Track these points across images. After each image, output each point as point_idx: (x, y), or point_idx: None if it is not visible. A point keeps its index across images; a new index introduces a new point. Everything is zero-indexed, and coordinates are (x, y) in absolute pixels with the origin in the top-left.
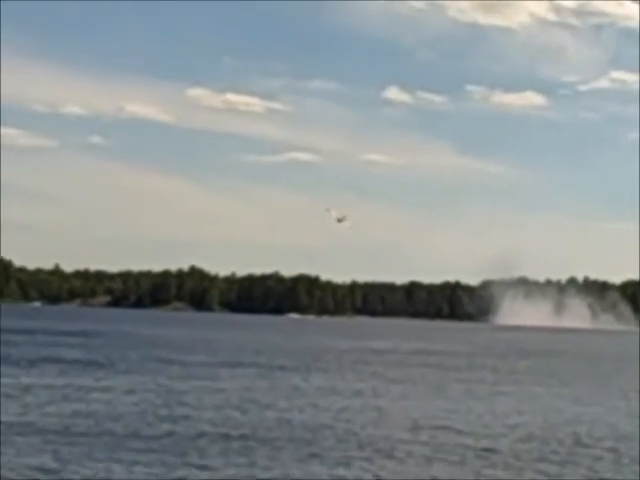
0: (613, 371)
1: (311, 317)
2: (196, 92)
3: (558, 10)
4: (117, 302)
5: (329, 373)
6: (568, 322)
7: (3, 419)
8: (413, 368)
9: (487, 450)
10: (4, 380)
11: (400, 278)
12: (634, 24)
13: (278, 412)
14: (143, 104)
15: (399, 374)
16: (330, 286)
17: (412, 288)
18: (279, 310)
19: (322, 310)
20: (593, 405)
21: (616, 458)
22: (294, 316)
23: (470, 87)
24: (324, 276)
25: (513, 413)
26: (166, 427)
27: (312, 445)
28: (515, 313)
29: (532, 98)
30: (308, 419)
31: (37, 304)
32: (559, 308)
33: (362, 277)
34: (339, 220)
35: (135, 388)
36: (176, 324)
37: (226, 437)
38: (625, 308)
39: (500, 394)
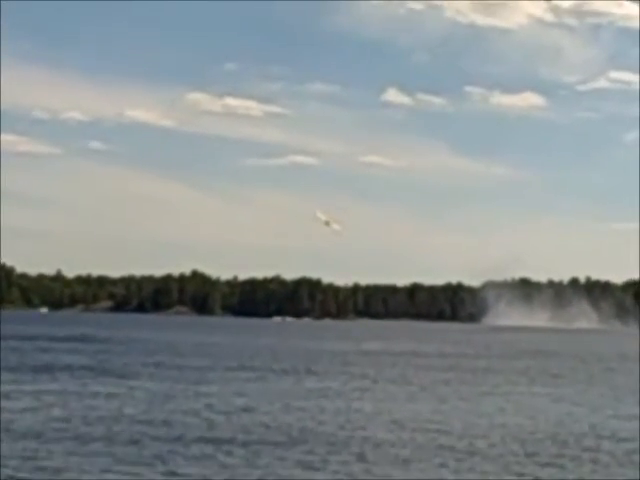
0: (605, 371)
1: (290, 319)
2: (195, 96)
3: (556, 10)
4: (119, 307)
5: (319, 376)
6: (569, 323)
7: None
8: (402, 369)
9: (466, 451)
10: (6, 387)
11: (402, 280)
12: (632, 23)
13: (263, 415)
14: (143, 109)
15: (387, 375)
16: (332, 289)
17: (414, 290)
18: (280, 313)
19: (324, 313)
20: (579, 405)
21: (595, 458)
22: (277, 319)
23: (469, 88)
24: (326, 279)
25: (497, 414)
26: (143, 431)
27: (292, 448)
28: (514, 314)
29: (531, 99)
30: (292, 422)
31: (44, 310)
32: (560, 309)
33: (364, 280)
34: (327, 223)
35: (126, 392)
36: (177, 328)
37: (210, 441)
38: (627, 308)
39: (487, 395)
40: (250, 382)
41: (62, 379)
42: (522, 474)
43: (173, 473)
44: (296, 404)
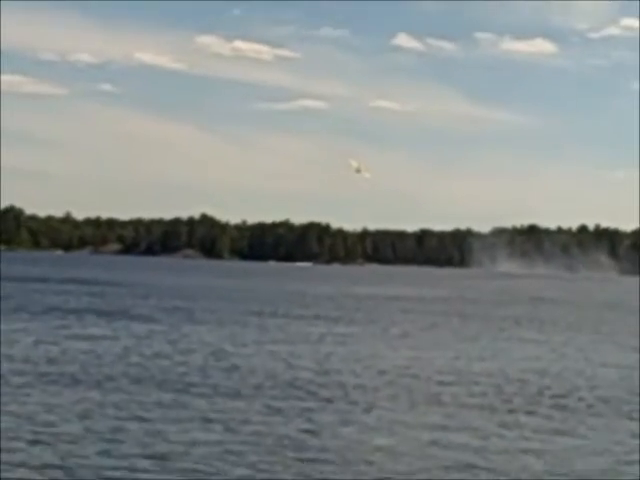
0: (598, 319)
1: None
2: (205, 40)
3: None
4: (128, 250)
5: (307, 320)
6: (576, 271)
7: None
8: (390, 314)
9: (437, 397)
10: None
11: (411, 226)
12: None
13: (238, 359)
14: (152, 52)
15: (374, 320)
16: (341, 234)
17: (423, 235)
18: (289, 258)
19: (333, 258)
20: (564, 352)
21: (569, 405)
22: (272, 264)
23: (479, 34)
24: (335, 224)
25: (475, 360)
26: (110, 373)
27: (262, 393)
28: (521, 261)
29: (542, 45)
30: (267, 366)
31: (59, 252)
32: (568, 256)
33: (373, 225)
34: (357, 171)
35: (109, 335)
36: (183, 272)
37: (178, 384)
38: (634, 257)
39: (470, 341)
40: (237, 325)
41: (48, 320)
42: (491, 420)
43: (136, 417)
44: (275, 348)
